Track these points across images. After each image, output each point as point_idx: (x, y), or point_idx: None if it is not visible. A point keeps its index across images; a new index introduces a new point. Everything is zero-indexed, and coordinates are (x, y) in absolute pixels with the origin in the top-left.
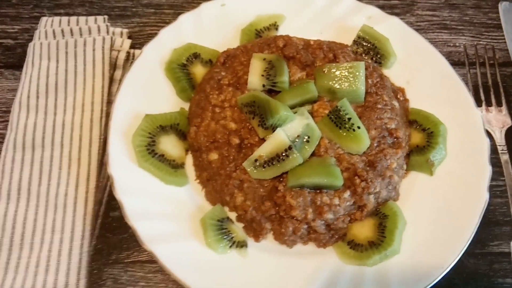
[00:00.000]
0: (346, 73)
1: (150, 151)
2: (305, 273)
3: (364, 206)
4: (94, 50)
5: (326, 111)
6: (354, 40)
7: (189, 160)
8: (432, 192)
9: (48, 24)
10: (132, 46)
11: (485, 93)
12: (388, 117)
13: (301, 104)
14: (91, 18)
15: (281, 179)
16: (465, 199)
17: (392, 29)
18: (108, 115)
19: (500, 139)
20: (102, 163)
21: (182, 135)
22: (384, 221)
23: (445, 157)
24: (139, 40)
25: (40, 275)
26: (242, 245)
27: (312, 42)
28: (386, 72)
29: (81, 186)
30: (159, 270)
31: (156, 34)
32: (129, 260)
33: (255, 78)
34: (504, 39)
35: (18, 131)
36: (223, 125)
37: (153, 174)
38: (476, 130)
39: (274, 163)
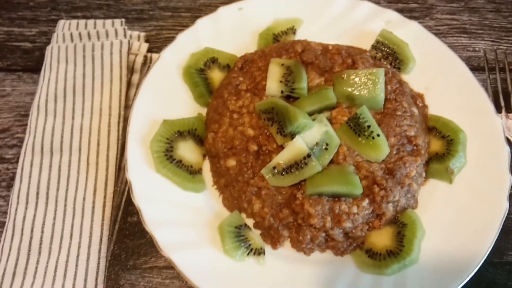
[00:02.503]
0: (366, 80)
1: (168, 157)
2: (322, 281)
3: (382, 215)
4: (111, 53)
5: (345, 118)
6: (373, 45)
7: (206, 166)
8: (451, 201)
9: (65, 27)
10: (149, 50)
11: (505, 99)
12: (407, 124)
13: (320, 111)
14: (108, 21)
15: (299, 187)
16: (484, 208)
17: (411, 34)
18: (126, 119)
19: None
20: (120, 168)
21: (200, 140)
22: (402, 230)
23: (464, 165)
24: (156, 44)
25: (58, 280)
26: (259, 252)
27: (330, 47)
28: (405, 77)
29: (99, 191)
30: (176, 277)
31: (173, 37)
32: (146, 266)
33: (273, 84)
34: None
35: (37, 135)
36: (241, 131)
37: (171, 180)
38: (496, 137)
39: (292, 170)
